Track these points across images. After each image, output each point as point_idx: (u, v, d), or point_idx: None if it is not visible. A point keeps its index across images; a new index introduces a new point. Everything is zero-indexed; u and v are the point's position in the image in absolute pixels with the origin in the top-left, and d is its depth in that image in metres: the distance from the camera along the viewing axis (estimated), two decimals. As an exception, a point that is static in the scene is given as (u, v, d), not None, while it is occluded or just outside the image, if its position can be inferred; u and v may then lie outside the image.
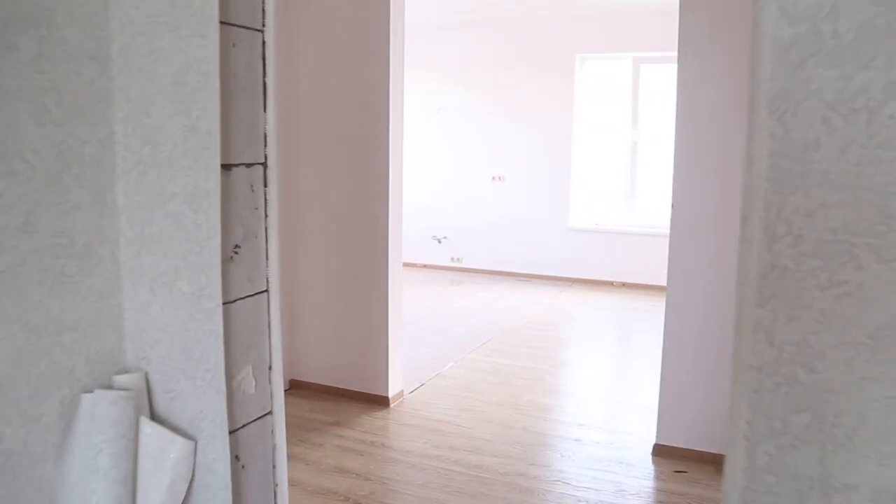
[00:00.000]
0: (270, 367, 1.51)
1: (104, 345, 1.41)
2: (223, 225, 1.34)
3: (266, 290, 1.47)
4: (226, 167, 1.35)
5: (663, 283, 6.80)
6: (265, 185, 1.45)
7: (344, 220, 4.12)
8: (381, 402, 4.09)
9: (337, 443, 3.60)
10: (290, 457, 3.51)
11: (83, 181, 1.35)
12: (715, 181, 3.22)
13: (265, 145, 1.44)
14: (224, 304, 1.36)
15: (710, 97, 3.21)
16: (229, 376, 1.39)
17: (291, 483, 3.18)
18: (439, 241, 8.05)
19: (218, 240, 1.33)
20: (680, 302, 3.33)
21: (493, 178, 7.71)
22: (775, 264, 0.98)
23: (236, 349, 1.40)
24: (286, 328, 4.24)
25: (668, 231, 6.73)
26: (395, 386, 4.17)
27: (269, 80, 1.43)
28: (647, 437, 3.57)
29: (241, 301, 1.41)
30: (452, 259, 8.03)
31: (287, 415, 3.97)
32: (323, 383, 4.30)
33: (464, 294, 7.05)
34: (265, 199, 1.45)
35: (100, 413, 1.34)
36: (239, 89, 1.37)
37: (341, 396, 4.19)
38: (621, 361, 5.34)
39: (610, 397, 4.40)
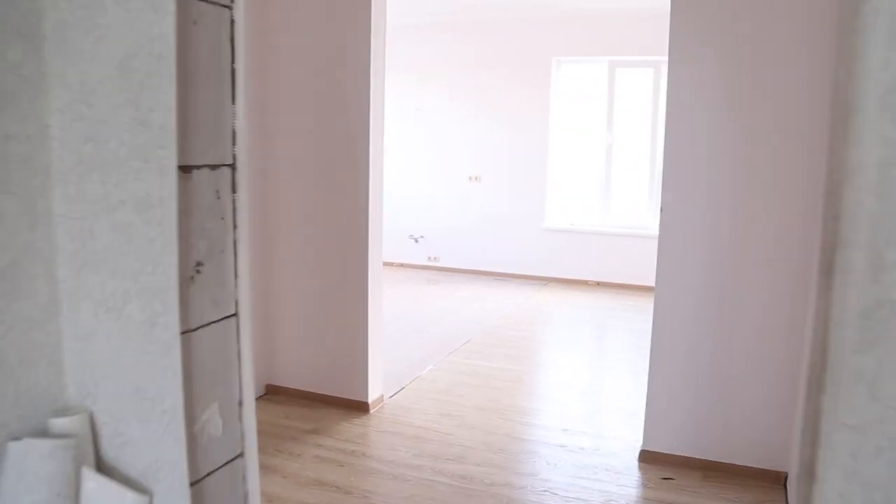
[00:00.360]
0: (241, 403, 1.23)
1: (38, 381, 1.12)
2: (182, 239, 1.06)
3: (235, 315, 1.19)
4: (185, 169, 1.07)
5: (637, 282, 6.71)
6: (233, 191, 1.17)
7: (323, 220, 3.83)
8: (361, 407, 3.82)
9: (316, 452, 3.32)
10: (266, 469, 3.22)
11: (9, 185, 1.06)
12: (704, 184, 3.01)
13: (233, 143, 1.16)
14: (183, 333, 1.08)
15: (700, 101, 2.99)
16: (191, 418, 1.11)
17: (268, 498, 2.90)
18: (416, 241, 7.78)
19: (175, 257, 1.05)
20: (668, 306, 3.11)
21: (470, 179, 7.46)
22: (883, 300, 0.73)
23: (199, 386, 1.13)
24: (261, 330, 3.94)
25: (642, 231, 6.63)
26: (375, 391, 3.90)
27: (239, 66, 1.15)
28: (632, 442, 3.36)
29: (205, 329, 1.13)
30: (429, 258, 7.77)
31: (263, 422, 3.68)
32: (300, 388, 4.00)
33: (441, 293, 6.78)
34: (233, 207, 1.17)
35: (30, 467, 1.05)
36: (201, 76, 1.09)
37: (319, 402, 3.91)
38: (600, 362, 5.13)
39: (591, 399, 4.18)
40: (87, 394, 1.15)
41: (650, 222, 6.79)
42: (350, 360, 3.84)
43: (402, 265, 7.81)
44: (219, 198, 1.13)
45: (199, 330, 1.12)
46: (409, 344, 5.03)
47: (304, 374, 4.00)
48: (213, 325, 1.15)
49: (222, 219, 1.14)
